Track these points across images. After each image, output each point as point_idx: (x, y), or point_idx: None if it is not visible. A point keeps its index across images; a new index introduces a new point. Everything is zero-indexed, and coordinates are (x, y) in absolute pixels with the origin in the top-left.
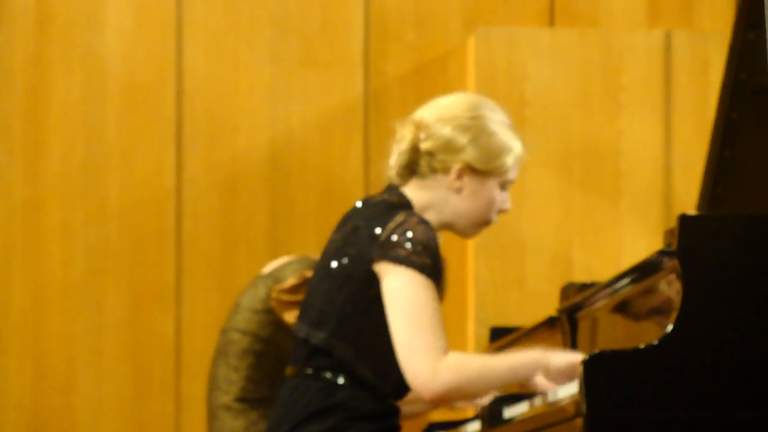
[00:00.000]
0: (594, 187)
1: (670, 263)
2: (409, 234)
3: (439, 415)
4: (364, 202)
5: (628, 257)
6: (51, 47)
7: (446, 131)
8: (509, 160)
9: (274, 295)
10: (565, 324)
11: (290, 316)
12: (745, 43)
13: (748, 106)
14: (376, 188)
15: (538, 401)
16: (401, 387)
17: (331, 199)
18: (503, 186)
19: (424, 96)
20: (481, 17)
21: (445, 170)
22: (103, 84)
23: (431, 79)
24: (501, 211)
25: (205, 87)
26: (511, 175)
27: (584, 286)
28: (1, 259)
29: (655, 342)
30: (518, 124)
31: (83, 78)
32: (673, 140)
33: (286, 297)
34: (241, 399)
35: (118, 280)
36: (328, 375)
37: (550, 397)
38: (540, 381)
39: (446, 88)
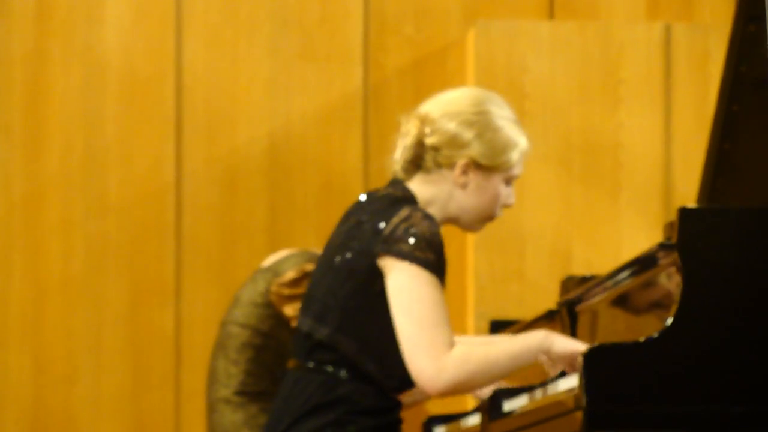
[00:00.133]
0: (593, 180)
1: (670, 256)
2: (414, 229)
3: (439, 408)
4: (368, 196)
5: (628, 250)
6: (50, 42)
7: (452, 126)
8: (514, 156)
9: (273, 288)
10: (564, 317)
11: (290, 310)
12: (745, 35)
13: (749, 99)
14: (376, 181)
15: (538, 394)
16: (405, 382)
17: (331, 193)
18: (508, 181)
19: (423, 89)
20: (481, 10)
21: (450, 165)
22: (102, 78)
23: (431, 73)
24: (505, 206)
25: (205, 81)
26: (516, 170)
27: (584, 279)
28: (0, 253)
29: (655, 335)
30: (518, 118)
31: (83, 72)
32: (673, 133)
33: (286, 291)
34: (240, 392)
35: (118, 274)
36: (330, 369)
37: (550, 391)
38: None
39: (446, 82)
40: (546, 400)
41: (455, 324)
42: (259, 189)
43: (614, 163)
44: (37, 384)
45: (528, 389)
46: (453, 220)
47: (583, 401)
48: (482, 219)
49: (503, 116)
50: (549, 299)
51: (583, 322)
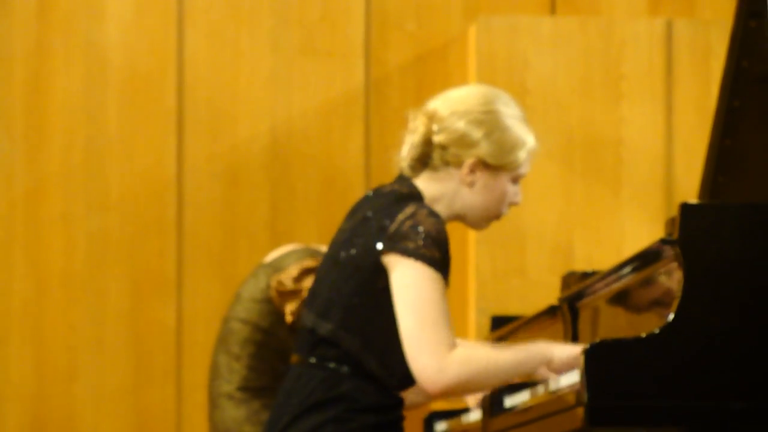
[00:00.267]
0: (595, 175)
1: (672, 252)
2: (419, 227)
3: (440, 404)
4: (375, 192)
5: (629, 246)
6: (52, 37)
7: (460, 125)
8: (522, 155)
9: (274, 284)
10: (566, 313)
11: (291, 306)
12: (746, 31)
13: (750, 95)
14: (377, 177)
15: (539, 390)
16: (408, 379)
17: (332, 189)
18: (515, 180)
19: (425, 85)
20: (482, 6)
21: (458, 164)
22: (103, 74)
23: (432, 69)
24: (512, 204)
25: (206, 76)
26: (524, 169)
27: (585, 275)
28: (2, 248)
29: (656, 331)
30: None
31: (84, 68)
32: (675, 129)
33: (287, 287)
34: (242, 388)
35: (119, 270)
36: (333, 365)
37: (552, 386)
38: (543, 372)
39: (447, 78)
40: (547, 396)
41: (456, 320)
42: (261, 184)
43: (615, 159)
44: (39, 378)
45: (530, 385)
46: (459, 218)
47: (585, 397)
48: (488, 217)
49: (511, 115)
50: (550, 295)
51: (584, 317)
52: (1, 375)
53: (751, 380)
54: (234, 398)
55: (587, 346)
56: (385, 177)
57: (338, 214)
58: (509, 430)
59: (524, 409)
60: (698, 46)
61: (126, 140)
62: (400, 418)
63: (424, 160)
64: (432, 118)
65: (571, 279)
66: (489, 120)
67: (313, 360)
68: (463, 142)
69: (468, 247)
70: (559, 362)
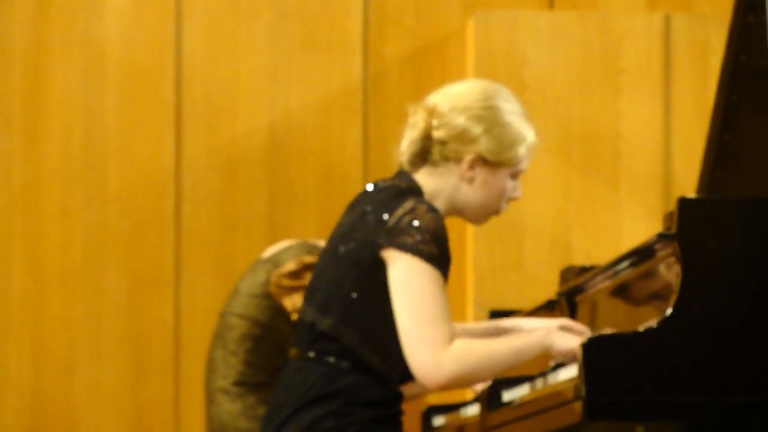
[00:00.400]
0: (593, 170)
1: (669, 247)
2: (417, 222)
3: (438, 398)
4: (374, 186)
5: (628, 241)
6: (50, 31)
7: (460, 121)
8: (521, 151)
9: (273, 280)
10: (564, 307)
11: (289, 302)
12: (744, 26)
13: (748, 89)
14: (375, 171)
15: (538, 384)
16: (407, 374)
17: (330, 183)
18: (514, 175)
19: (423, 80)
20: (480, 0)
21: (458, 159)
22: (102, 68)
23: (430, 63)
24: (511, 200)
25: (205, 71)
26: (523, 164)
27: (583, 270)
28: (0, 242)
29: (654, 325)
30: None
31: (83, 62)
32: (673, 124)
33: (286, 282)
34: (239, 383)
35: (118, 264)
36: (332, 360)
37: (550, 380)
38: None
39: (445, 72)
40: (545, 390)
41: (455, 314)
42: (259, 179)
43: (614, 154)
44: (37, 373)
45: (528, 379)
46: (458, 213)
47: (583, 391)
48: (488, 213)
49: (511, 111)
50: (548, 289)
51: (582, 312)
52: None
53: (749, 374)
54: (229, 393)
55: (585, 340)
56: (384, 171)
57: (337, 208)
58: (507, 424)
59: (522, 404)
60: (696, 41)
61: (124, 134)
62: (400, 413)
63: (423, 155)
64: (432, 113)
65: (569, 273)
66: (489, 116)
67: (312, 354)
68: (463, 137)
69: (466, 241)
70: (560, 350)
